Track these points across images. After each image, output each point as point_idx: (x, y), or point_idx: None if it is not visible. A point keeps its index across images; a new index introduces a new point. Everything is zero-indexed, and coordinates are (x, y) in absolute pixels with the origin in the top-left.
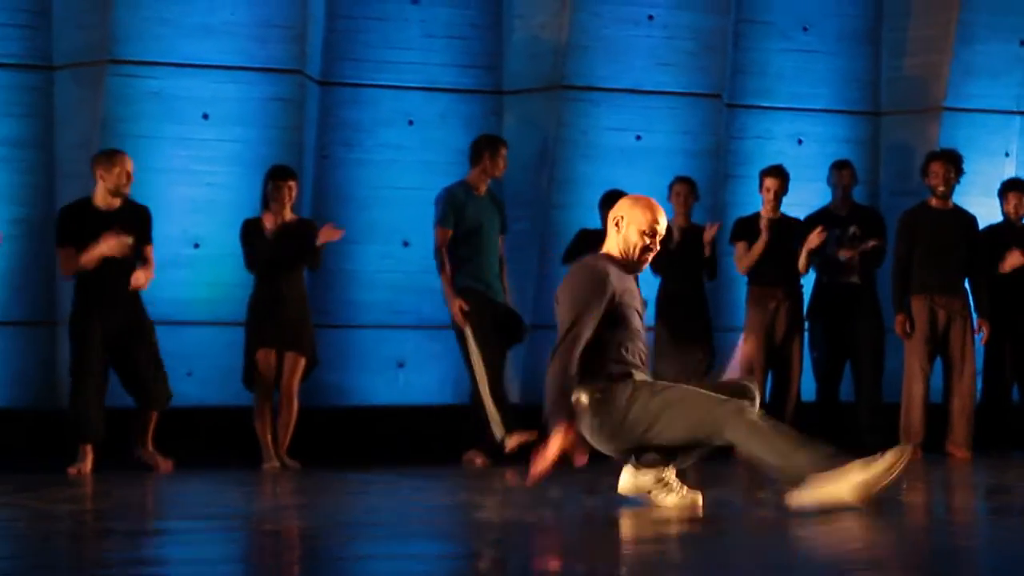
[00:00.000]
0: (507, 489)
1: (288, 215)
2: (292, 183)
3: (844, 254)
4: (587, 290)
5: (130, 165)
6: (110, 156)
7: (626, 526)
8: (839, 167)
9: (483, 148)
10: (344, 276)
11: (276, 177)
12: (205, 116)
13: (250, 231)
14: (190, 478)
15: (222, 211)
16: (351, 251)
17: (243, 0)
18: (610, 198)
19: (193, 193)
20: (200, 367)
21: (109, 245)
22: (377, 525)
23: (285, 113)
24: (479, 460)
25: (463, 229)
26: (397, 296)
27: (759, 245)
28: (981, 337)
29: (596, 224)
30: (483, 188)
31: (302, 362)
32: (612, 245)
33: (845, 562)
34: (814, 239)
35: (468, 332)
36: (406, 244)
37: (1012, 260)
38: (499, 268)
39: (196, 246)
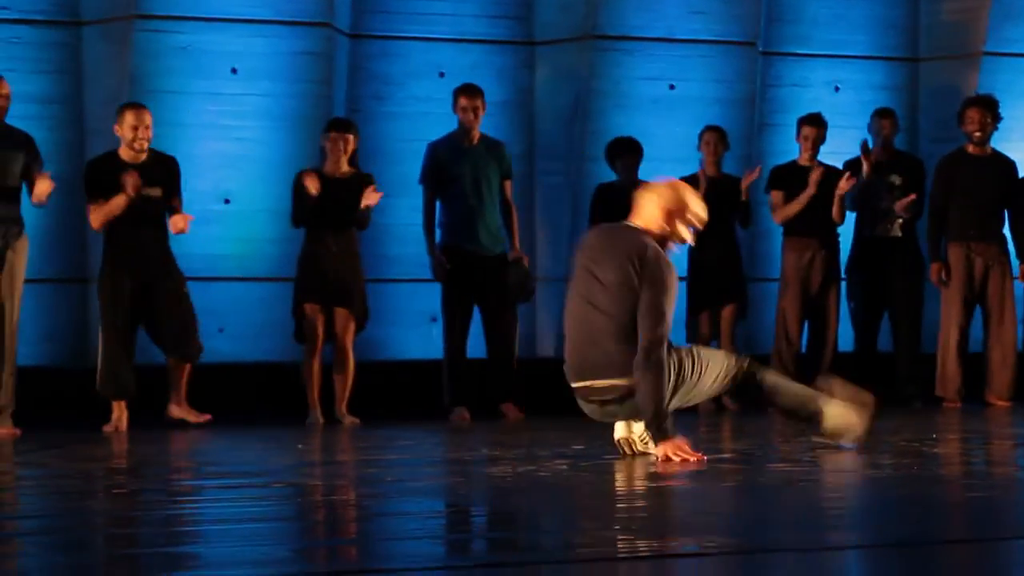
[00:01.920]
0: (533, 443)
1: (344, 168)
2: (348, 136)
3: (899, 207)
4: (672, 282)
5: (146, 119)
6: (120, 110)
7: (627, 480)
8: (881, 115)
9: (453, 98)
10: (377, 230)
11: (332, 128)
12: (234, 71)
13: (299, 182)
14: (222, 435)
15: (252, 166)
16: (383, 205)
17: None
18: (617, 146)
19: (223, 148)
20: (232, 323)
21: (126, 184)
22: (399, 481)
23: (314, 67)
24: (513, 412)
25: (449, 184)
26: None
27: (804, 197)
28: (1022, 284)
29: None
30: (473, 138)
31: (352, 319)
32: (653, 223)
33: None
34: (844, 185)
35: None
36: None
37: None
38: (507, 216)
39: (227, 201)
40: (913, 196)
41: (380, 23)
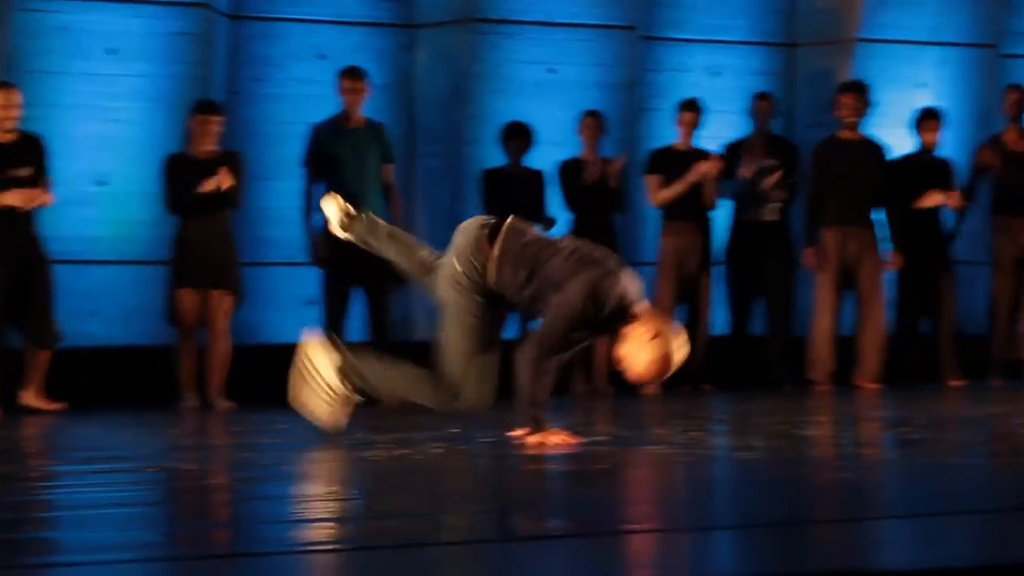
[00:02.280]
0: (408, 427)
1: (210, 148)
2: (217, 118)
3: (766, 185)
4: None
5: (13, 98)
6: None
7: (500, 462)
8: (760, 98)
9: (336, 80)
10: (255, 212)
11: (200, 111)
12: (110, 51)
13: (174, 167)
14: (93, 419)
15: (128, 148)
16: (262, 187)
17: None
18: (509, 130)
19: (99, 129)
20: (105, 306)
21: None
22: (268, 465)
23: (192, 48)
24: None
25: (331, 166)
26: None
27: (685, 182)
28: (892, 265)
29: (505, 159)
30: (356, 121)
31: (229, 300)
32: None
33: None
34: (703, 167)
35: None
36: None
37: (931, 199)
38: (389, 199)
39: (102, 183)
40: (780, 173)
41: (260, 4)
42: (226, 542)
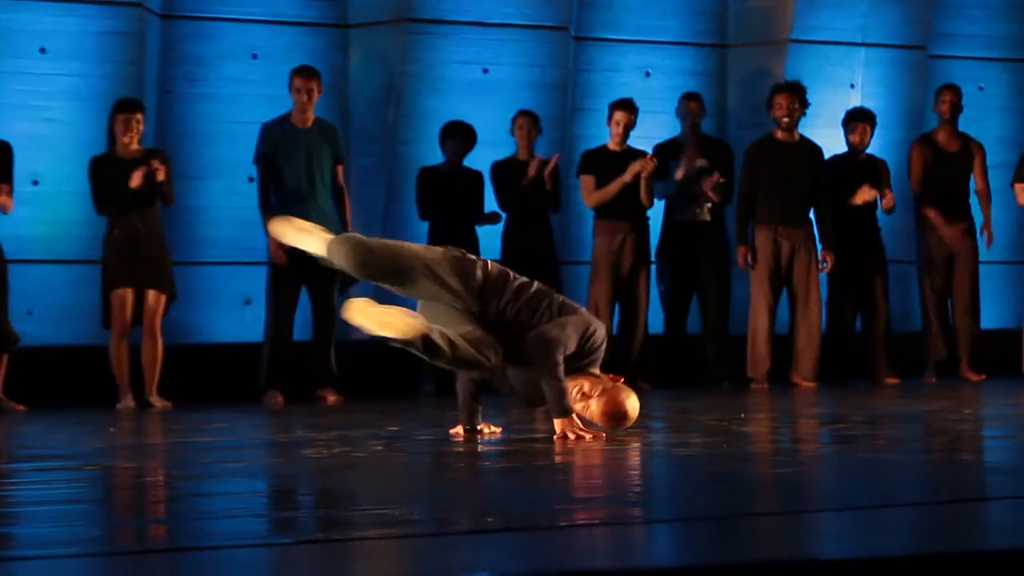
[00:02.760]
0: (348, 425)
1: (134, 147)
2: (139, 115)
3: (706, 186)
4: None
5: None
6: None
7: (439, 459)
8: (688, 99)
9: (289, 79)
10: (188, 212)
11: (123, 110)
12: (42, 50)
13: (100, 168)
14: (31, 419)
15: (61, 147)
16: (196, 187)
17: None
18: (450, 129)
19: (31, 129)
20: (40, 306)
21: None
22: (206, 464)
23: (124, 47)
24: (331, 397)
25: (283, 166)
26: (243, 232)
27: (618, 183)
28: (825, 267)
29: (439, 158)
30: (307, 121)
31: (163, 299)
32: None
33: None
34: (637, 166)
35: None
36: (251, 180)
37: (863, 195)
38: (339, 201)
39: (35, 183)
40: (718, 176)
41: (192, 3)
42: (165, 537)
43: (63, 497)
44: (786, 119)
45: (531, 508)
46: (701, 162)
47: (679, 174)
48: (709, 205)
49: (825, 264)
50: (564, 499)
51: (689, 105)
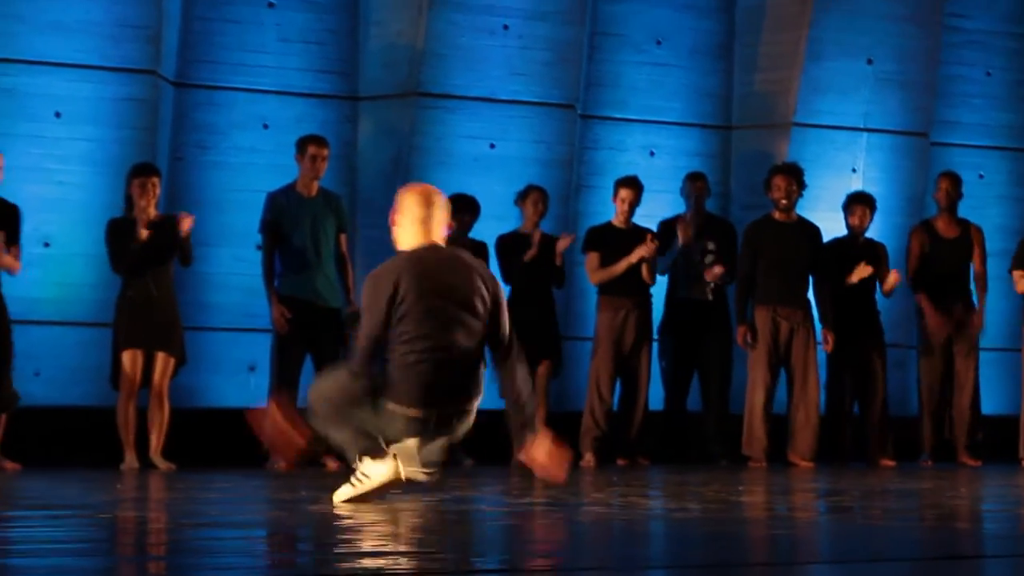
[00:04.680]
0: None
1: (153, 212)
2: (156, 179)
3: (709, 277)
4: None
5: None
6: None
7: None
8: (693, 179)
9: (297, 149)
10: (197, 278)
11: (140, 174)
12: (58, 114)
13: (118, 230)
14: (37, 477)
15: (73, 210)
16: (204, 253)
17: None
18: (458, 203)
19: (44, 192)
20: (48, 367)
21: None
22: (212, 515)
23: (138, 113)
24: (332, 464)
25: (288, 234)
26: (249, 299)
27: (620, 267)
28: (827, 346)
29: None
30: (312, 190)
31: (172, 362)
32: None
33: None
34: (642, 250)
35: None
36: (259, 248)
37: (859, 272)
38: (342, 269)
39: (46, 245)
40: (722, 268)
41: (206, 73)
42: (164, 571)
43: (72, 538)
44: (784, 200)
45: (536, 555)
46: (706, 243)
47: (681, 240)
48: (711, 286)
49: (827, 343)
50: (560, 546)
51: (695, 184)
